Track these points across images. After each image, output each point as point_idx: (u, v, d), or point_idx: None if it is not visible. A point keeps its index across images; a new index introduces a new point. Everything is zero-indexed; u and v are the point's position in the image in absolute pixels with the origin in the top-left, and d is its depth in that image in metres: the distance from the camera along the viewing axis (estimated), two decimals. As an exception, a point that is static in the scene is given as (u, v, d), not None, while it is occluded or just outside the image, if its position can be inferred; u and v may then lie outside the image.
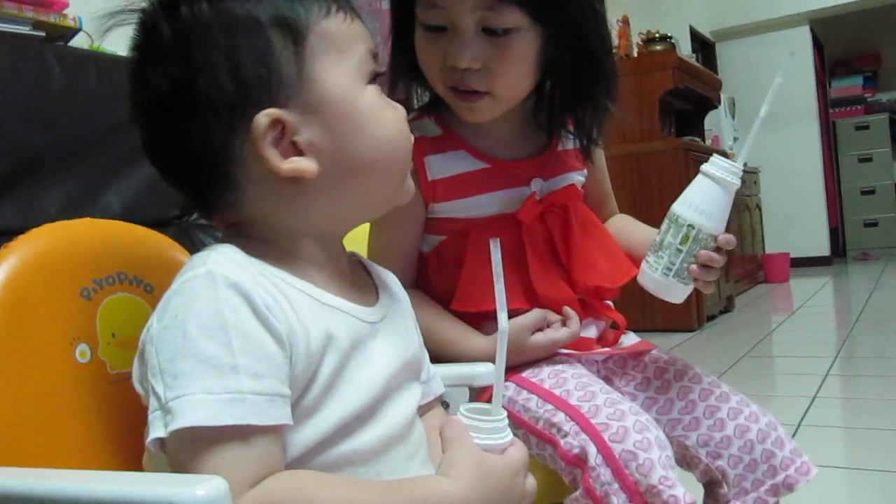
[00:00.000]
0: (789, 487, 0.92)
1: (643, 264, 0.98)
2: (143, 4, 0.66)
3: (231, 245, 0.63)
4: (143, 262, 0.79)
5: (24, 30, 1.69)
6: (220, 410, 0.54)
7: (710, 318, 4.40)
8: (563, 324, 0.99)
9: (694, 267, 0.94)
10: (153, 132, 0.67)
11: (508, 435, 0.63)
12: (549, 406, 0.88)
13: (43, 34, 1.74)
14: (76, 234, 0.77)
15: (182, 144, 0.64)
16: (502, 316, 0.63)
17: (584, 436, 0.83)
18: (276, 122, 0.62)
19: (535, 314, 0.96)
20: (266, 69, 0.62)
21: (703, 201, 0.94)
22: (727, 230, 0.96)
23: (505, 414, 0.63)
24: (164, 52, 0.63)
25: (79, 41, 1.88)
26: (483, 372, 0.91)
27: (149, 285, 0.79)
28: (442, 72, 0.95)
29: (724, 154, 0.97)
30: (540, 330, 0.97)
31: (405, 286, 0.99)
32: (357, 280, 0.74)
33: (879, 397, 2.56)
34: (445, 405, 0.83)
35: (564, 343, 0.98)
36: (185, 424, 0.53)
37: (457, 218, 1.02)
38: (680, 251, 0.94)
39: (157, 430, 0.55)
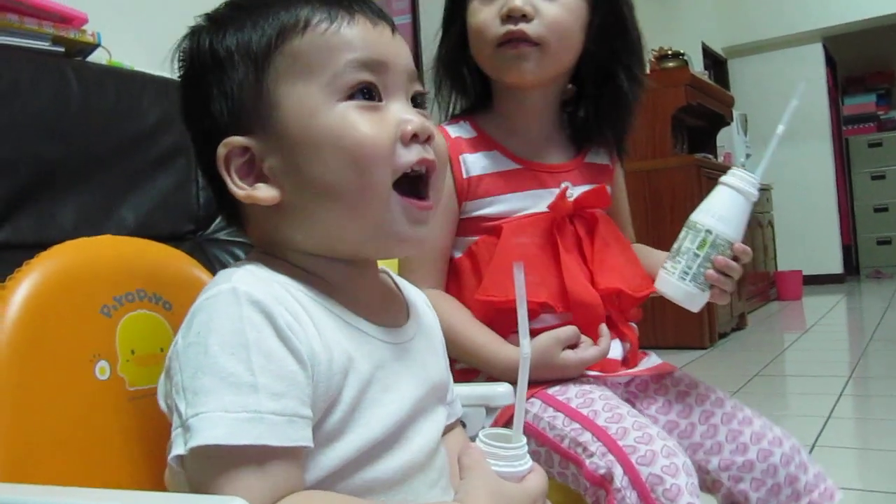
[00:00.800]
0: None
1: (661, 271, 1.00)
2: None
3: (258, 263, 0.64)
4: (162, 279, 0.80)
5: (44, 45, 1.71)
6: (238, 429, 0.53)
7: (722, 335, 4.37)
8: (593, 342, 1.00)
9: (711, 272, 0.96)
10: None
11: (528, 462, 0.62)
12: (576, 425, 0.88)
13: (62, 49, 1.75)
14: (96, 251, 0.77)
15: (201, 166, 0.69)
16: (524, 342, 0.62)
17: (610, 457, 0.83)
18: (244, 150, 0.64)
19: (569, 330, 0.97)
20: (230, 101, 0.64)
21: (721, 208, 0.96)
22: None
23: (525, 441, 0.62)
24: (180, 86, 0.69)
25: (97, 56, 1.89)
26: (502, 392, 0.91)
27: (168, 302, 0.79)
28: (493, 28, 1.01)
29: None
30: (572, 347, 0.97)
31: (435, 287, 1.00)
32: (387, 299, 0.74)
33: (895, 418, 2.53)
34: (462, 425, 0.82)
35: (593, 363, 0.98)
36: (202, 442, 0.53)
37: (490, 216, 1.04)
38: (697, 256, 0.96)
39: (178, 447, 0.55)
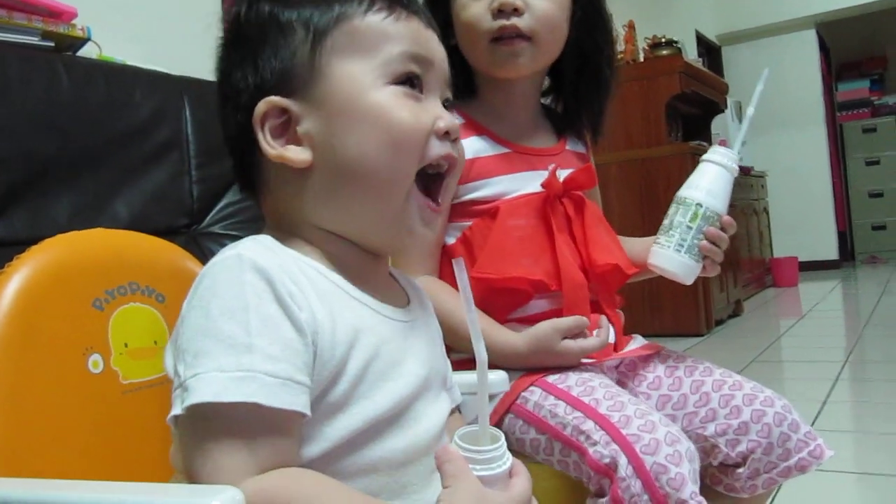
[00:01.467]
0: (802, 470, 0.94)
1: (654, 246, 1.03)
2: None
3: (267, 234, 0.66)
4: (155, 271, 0.80)
5: (34, 40, 1.70)
6: (230, 386, 0.54)
7: (719, 322, 4.38)
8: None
9: (704, 243, 1.00)
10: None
11: (508, 460, 0.61)
12: (578, 413, 0.88)
13: (52, 44, 1.74)
14: (89, 245, 0.77)
15: (225, 131, 0.69)
16: (479, 346, 0.61)
17: (614, 446, 0.83)
18: (281, 111, 0.65)
19: (572, 320, 0.98)
20: (281, 62, 0.65)
21: (708, 183, 1.02)
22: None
23: (502, 440, 0.61)
24: (222, 46, 0.70)
25: (87, 51, 1.89)
26: (496, 380, 0.91)
27: (161, 295, 0.79)
28: (485, 23, 1.03)
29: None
30: (572, 337, 0.98)
31: (429, 273, 1.01)
32: (391, 284, 0.75)
33: (890, 401, 2.54)
34: (458, 411, 0.82)
35: (593, 352, 0.99)
36: (196, 401, 0.54)
37: (481, 199, 1.05)
38: (690, 228, 1.00)
39: (175, 407, 0.55)
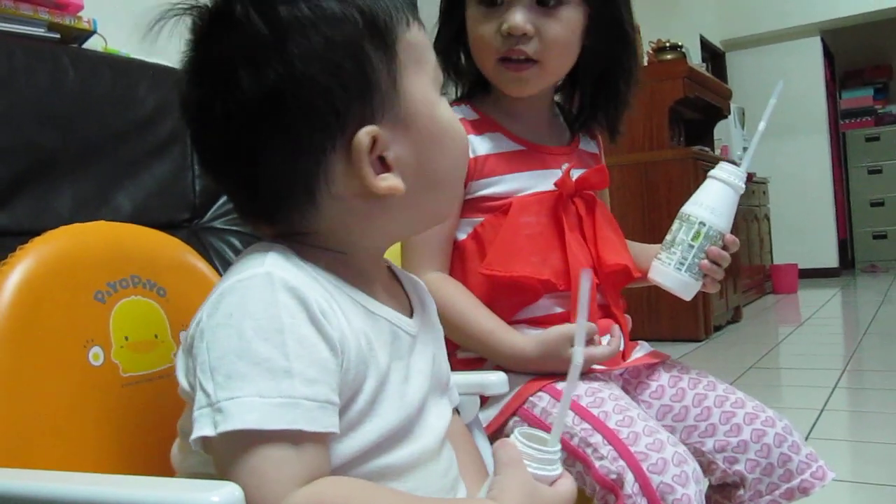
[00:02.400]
0: (804, 492, 0.94)
1: (655, 262, 1.03)
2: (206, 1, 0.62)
3: (286, 247, 0.62)
4: (157, 265, 0.80)
5: (40, 32, 1.70)
6: (273, 414, 0.53)
7: (718, 328, 4.38)
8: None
9: (705, 262, 1.00)
10: (228, 142, 0.61)
11: (559, 468, 0.62)
12: (586, 425, 0.88)
13: (58, 36, 1.75)
14: (91, 237, 0.77)
15: (264, 156, 0.60)
16: (578, 349, 0.60)
17: (621, 462, 0.83)
18: (372, 139, 0.61)
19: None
20: (366, 82, 0.60)
21: (712, 201, 1.01)
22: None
23: (560, 447, 0.62)
24: (257, 52, 0.58)
25: (93, 43, 1.89)
26: (495, 381, 0.91)
27: (162, 289, 0.79)
28: (494, 43, 1.02)
29: (733, 163, 1.04)
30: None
31: (438, 270, 1.01)
32: (394, 290, 0.74)
33: (888, 411, 2.54)
34: (456, 412, 0.82)
35: (602, 360, 0.99)
36: (237, 427, 0.52)
37: (495, 196, 1.04)
38: (692, 247, 1.00)
39: (204, 428, 0.54)
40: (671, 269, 1.01)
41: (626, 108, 1.13)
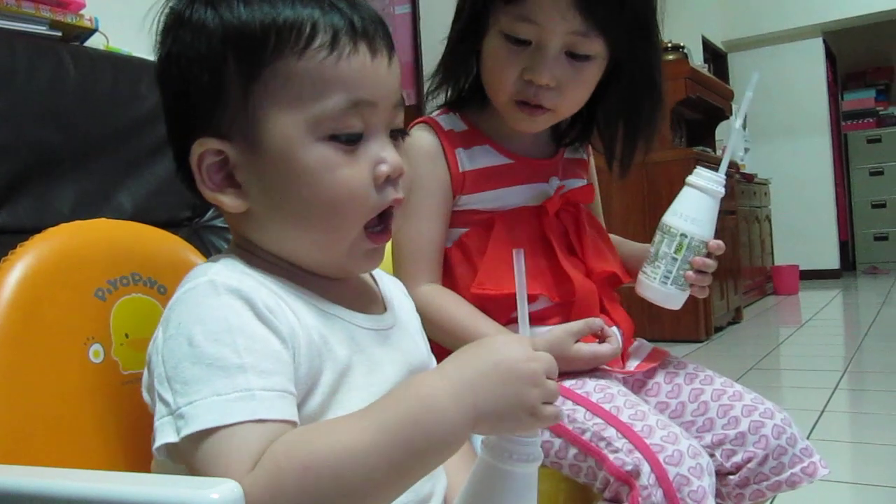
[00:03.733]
0: (792, 486, 0.93)
1: (640, 276, 1.02)
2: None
3: (232, 257, 0.65)
4: (157, 263, 0.80)
5: (42, 29, 1.71)
6: (231, 409, 0.54)
7: (718, 328, 4.38)
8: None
9: (690, 273, 0.99)
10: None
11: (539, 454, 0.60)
12: (598, 420, 0.88)
13: (59, 34, 1.75)
14: (92, 235, 0.77)
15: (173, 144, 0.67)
16: (524, 328, 0.62)
17: (637, 454, 0.83)
18: (217, 152, 0.62)
19: (583, 322, 0.97)
20: (213, 94, 0.62)
21: (692, 210, 0.99)
22: (720, 241, 1.01)
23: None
24: (161, 44, 0.65)
25: (95, 41, 1.89)
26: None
27: (162, 287, 0.79)
28: (514, 83, 0.97)
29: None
30: (585, 340, 0.98)
31: (433, 282, 1.01)
32: (361, 291, 0.74)
33: (888, 412, 2.54)
34: None
35: (606, 359, 0.99)
36: (198, 428, 0.53)
37: (481, 210, 1.04)
38: (675, 259, 0.99)
39: (167, 435, 0.55)
40: (657, 283, 1.00)
41: (643, 153, 1.10)
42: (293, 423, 0.56)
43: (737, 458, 0.93)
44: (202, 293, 0.59)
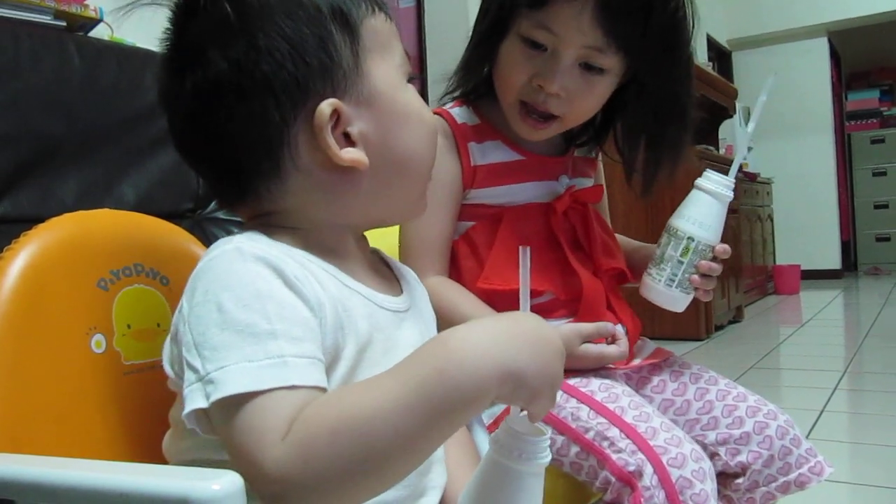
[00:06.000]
0: (801, 486, 0.94)
1: (645, 277, 1.03)
2: None
3: (255, 231, 0.65)
4: (160, 254, 0.80)
5: (46, 19, 1.71)
6: (264, 375, 0.53)
7: (719, 327, 4.38)
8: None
9: (695, 277, 0.99)
10: (196, 117, 0.64)
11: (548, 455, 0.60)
12: (602, 419, 0.88)
13: (64, 24, 1.75)
14: (95, 225, 0.77)
15: (232, 129, 0.63)
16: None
17: (641, 455, 0.83)
18: (334, 112, 0.63)
19: (594, 326, 0.97)
20: (328, 58, 0.63)
21: (700, 214, 0.99)
22: (722, 240, 1.01)
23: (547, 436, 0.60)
24: (224, 32, 0.62)
25: (99, 32, 1.89)
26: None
27: (165, 278, 0.79)
28: (523, 86, 0.97)
29: (722, 171, 1.00)
30: (594, 342, 0.98)
31: (440, 274, 1.01)
32: (378, 273, 0.75)
33: (888, 413, 2.55)
34: None
35: (612, 360, 0.99)
36: (229, 392, 0.53)
37: (490, 204, 1.04)
38: (681, 263, 0.99)
39: (196, 401, 0.54)
40: (661, 285, 1.00)
41: (668, 176, 1.08)
42: (323, 390, 0.56)
43: (742, 458, 0.93)
44: (229, 259, 0.59)
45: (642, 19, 0.92)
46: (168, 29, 0.66)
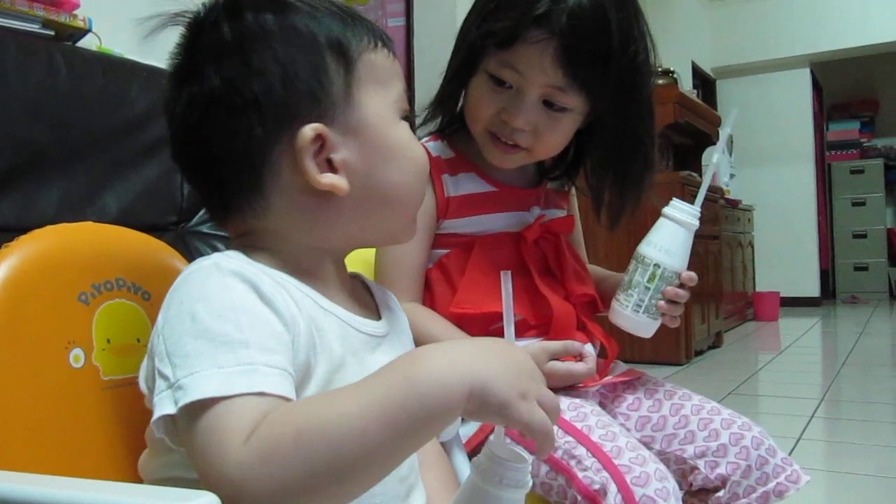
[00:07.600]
0: (779, 495, 0.95)
1: (614, 303, 1.04)
2: (197, 8, 0.68)
3: (234, 250, 0.66)
4: (142, 269, 0.79)
5: (34, 28, 1.70)
6: (233, 381, 0.53)
7: (699, 352, 4.40)
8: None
9: (662, 303, 1.01)
10: (189, 128, 0.67)
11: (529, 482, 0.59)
12: (570, 438, 0.89)
13: (52, 33, 1.74)
14: (78, 238, 0.77)
15: (219, 142, 0.65)
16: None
17: (605, 474, 0.84)
18: (318, 137, 0.64)
19: (561, 344, 0.99)
20: (319, 85, 0.65)
21: (666, 241, 1.01)
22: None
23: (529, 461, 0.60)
24: (222, 51, 0.65)
25: (87, 42, 1.88)
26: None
27: (147, 293, 0.79)
28: (491, 118, 1.00)
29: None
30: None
31: (413, 300, 1.02)
32: (360, 297, 0.76)
33: (864, 442, 2.56)
34: None
35: (580, 378, 1.00)
36: (196, 397, 0.53)
37: (462, 234, 1.06)
38: (648, 289, 1.01)
39: (165, 407, 0.54)
40: (629, 311, 1.02)
41: (631, 212, 1.10)
42: (291, 402, 0.55)
43: (721, 470, 0.94)
44: (206, 274, 0.60)
45: (602, 62, 0.95)
46: (178, 44, 0.69)
